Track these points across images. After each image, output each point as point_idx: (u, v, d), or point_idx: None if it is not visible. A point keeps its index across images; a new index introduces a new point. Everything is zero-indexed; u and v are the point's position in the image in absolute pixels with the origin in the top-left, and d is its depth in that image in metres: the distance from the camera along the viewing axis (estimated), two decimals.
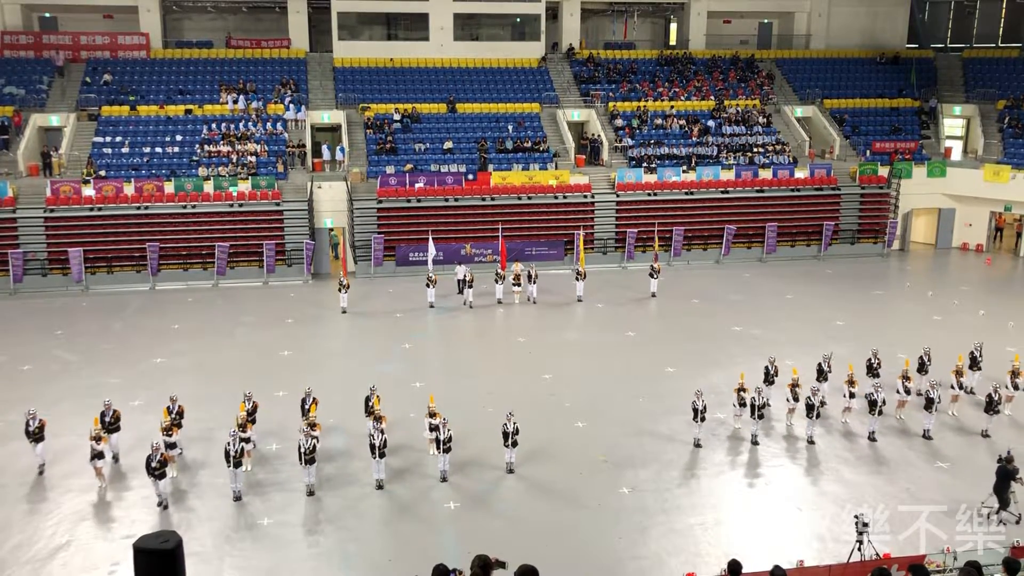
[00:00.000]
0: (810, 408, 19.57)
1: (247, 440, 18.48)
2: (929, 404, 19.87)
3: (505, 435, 18.05)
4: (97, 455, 17.65)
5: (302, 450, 17.32)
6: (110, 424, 18.85)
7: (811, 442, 19.69)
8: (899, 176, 39.80)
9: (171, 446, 18.37)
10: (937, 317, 29.46)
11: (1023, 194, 38.20)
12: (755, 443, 19.66)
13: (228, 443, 17.17)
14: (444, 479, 17.84)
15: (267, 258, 34.11)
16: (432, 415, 18.90)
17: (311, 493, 17.38)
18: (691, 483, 17.96)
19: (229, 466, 17.18)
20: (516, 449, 18.17)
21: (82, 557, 15.22)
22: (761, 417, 19.86)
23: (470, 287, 30.76)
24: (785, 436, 20.15)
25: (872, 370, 22.26)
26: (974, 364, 22.66)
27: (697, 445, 19.46)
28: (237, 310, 30.52)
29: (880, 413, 19.90)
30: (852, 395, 20.69)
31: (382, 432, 17.63)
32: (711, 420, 20.36)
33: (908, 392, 20.97)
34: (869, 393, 20.12)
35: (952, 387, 21.33)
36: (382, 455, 17.55)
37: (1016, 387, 21.21)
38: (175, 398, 19.62)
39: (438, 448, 17.95)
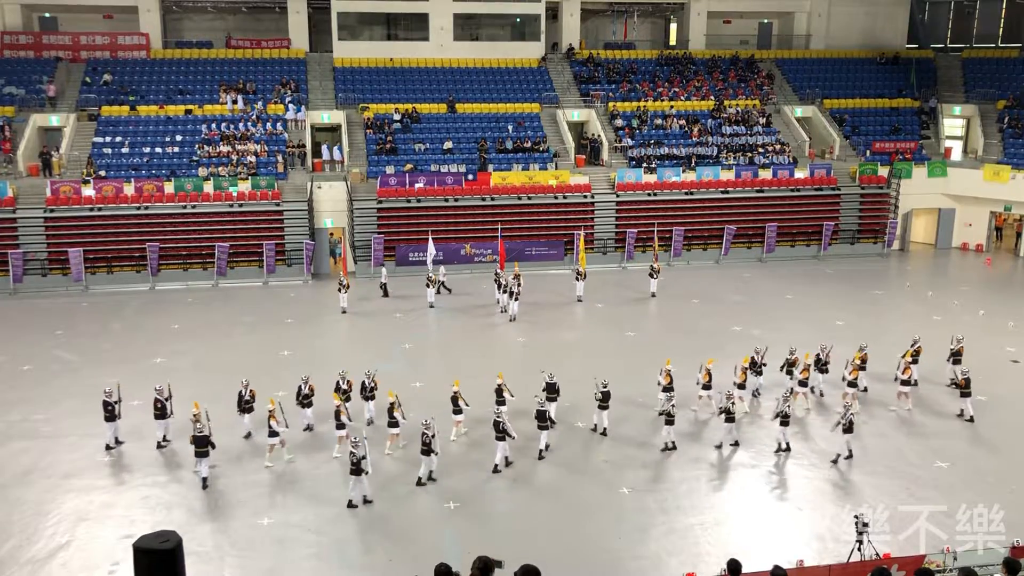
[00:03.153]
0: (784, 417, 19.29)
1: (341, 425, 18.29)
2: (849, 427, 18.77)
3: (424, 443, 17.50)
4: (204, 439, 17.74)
5: (353, 459, 16.59)
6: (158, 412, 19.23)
7: (839, 460, 18.89)
8: (899, 176, 39.78)
9: (274, 433, 18.34)
10: (937, 317, 29.44)
11: (1023, 194, 38.22)
12: (783, 449, 19.30)
13: (352, 452, 16.38)
14: (421, 483, 17.52)
15: (267, 258, 34.10)
16: (392, 410, 18.76)
17: (353, 505, 16.77)
18: (691, 483, 17.96)
19: (361, 474, 16.30)
20: (433, 458, 17.64)
21: (82, 557, 15.22)
22: (785, 423, 19.30)
23: (511, 295, 28.94)
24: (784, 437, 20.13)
25: (820, 365, 22.31)
26: (954, 357, 22.87)
27: (671, 447, 19.31)
28: (237, 310, 30.51)
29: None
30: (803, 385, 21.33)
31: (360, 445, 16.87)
32: (714, 420, 20.31)
33: (804, 384, 21.33)
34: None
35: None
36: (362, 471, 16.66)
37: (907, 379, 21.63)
38: (246, 382, 19.90)
39: (428, 453, 17.56)
